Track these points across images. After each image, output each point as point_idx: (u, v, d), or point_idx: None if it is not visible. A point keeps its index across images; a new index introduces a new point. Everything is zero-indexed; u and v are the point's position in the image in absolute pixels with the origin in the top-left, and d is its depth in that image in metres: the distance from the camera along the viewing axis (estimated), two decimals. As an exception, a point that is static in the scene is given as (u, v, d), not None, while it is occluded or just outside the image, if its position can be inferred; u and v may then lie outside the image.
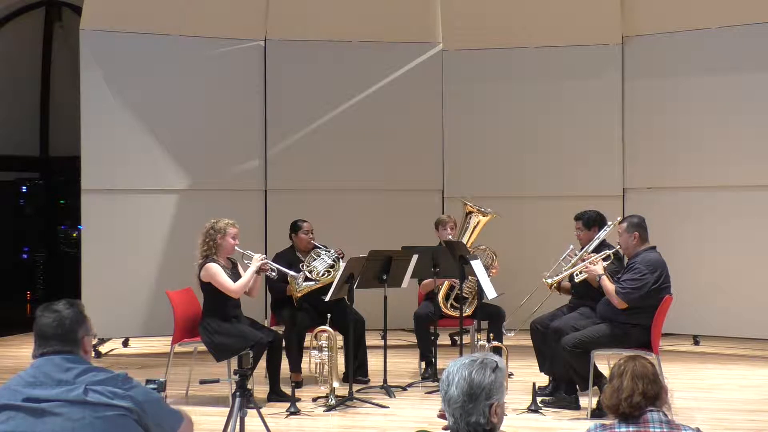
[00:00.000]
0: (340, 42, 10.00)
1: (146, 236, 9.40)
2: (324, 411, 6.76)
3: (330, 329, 7.03)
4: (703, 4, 9.33)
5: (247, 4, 9.83)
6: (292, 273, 7.34)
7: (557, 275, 7.03)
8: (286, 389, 6.95)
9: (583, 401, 6.57)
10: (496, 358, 2.81)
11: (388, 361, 7.36)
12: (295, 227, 7.92)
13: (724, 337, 9.49)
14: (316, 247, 7.82)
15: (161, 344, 9.07)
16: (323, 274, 7.60)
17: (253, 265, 6.96)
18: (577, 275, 6.89)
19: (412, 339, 8.23)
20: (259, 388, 7.05)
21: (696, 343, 9.57)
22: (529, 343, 7.36)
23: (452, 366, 2.82)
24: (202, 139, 9.62)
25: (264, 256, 7.19)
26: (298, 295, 7.48)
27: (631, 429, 3.12)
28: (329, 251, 7.76)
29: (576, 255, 7.03)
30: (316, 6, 10.01)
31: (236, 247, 7.03)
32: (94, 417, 3.04)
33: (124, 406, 3.07)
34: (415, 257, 7.30)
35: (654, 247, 6.59)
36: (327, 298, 7.10)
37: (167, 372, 7.03)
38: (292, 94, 9.87)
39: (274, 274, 7.18)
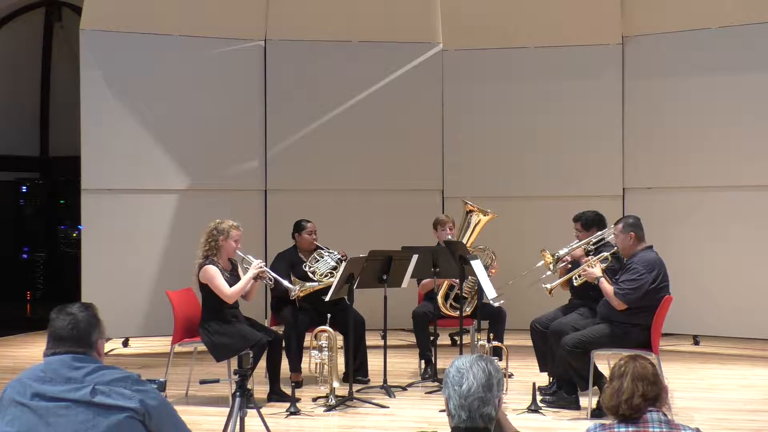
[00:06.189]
0: (340, 42, 10.00)
1: (146, 236, 9.39)
2: (324, 411, 6.76)
3: (330, 329, 7.03)
4: (703, 4, 9.33)
5: (247, 4, 9.83)
6: (289, 286, 7.28)
7: (555, 280, 7.07)
8: (286, 389, 6.95)
9: (583, 401, 6.57)
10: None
11: (388, 361, 7.35)
12: (298, 227, 7.90)
13: (724, 337, 9.48)
14: (318, 248, 7.81)
15: (161, 344, 9.07)
16: (326, 276, 7.59)
17: (251, 272, 6.94)
18: (576, 278, 6.90)
19: (412, 339, 8.23)
20: (259, 388, 7.04)
21: (696, 343, 9.56)
22: (529, 343, 7.36)
23: (459, 363, 2.91)
24: (202, 139, 9.62)
25: (262, 263, 7.11)
26: (300, 294, 7.47)
27: (630, 429, 3.12)
28: (332, 253, 7.74)
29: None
30: (316, 6, 10.01)
31: (237, 251, 7.02)
32: (98, 419, 3.04)
33: (130, 407, 3.07)
34: (415, 257, 7.30)
35: (651, 247, 6.60)
36: (327, 298, 7.09)
37: (167, 372, 7.02)
38: (292, 94, 9.88)
39: (271, 283, 7.16)
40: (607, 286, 6.54)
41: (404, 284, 7.42)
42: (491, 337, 7.29)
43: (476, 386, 2.85)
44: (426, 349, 7.79)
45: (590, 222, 7.19)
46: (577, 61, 9.83)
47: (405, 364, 8.50)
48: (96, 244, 9.23)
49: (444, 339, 9.25)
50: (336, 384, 6.89)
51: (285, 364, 7.31)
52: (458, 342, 8.27)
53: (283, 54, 9.87)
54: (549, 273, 7.09)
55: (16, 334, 10.57)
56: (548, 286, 7.02)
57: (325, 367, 6.95)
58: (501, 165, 9.98)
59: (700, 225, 9.34)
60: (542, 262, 7.13)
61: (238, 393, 4.57)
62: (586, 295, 6.99)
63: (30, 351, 9.52)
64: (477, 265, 7.05)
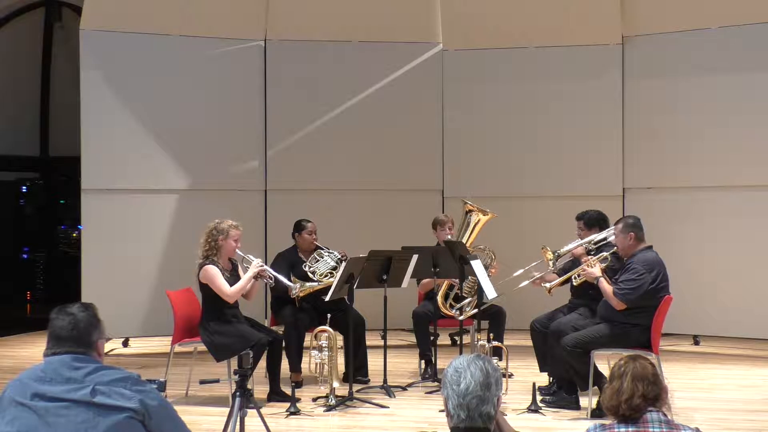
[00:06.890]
0: (340, 42, 10.00)
1: (146, 236, 9.40)
2: (324, 411, 6.76)
3: (330, 329, 7.03)
4: (703, 4, 9.33)
5: (247, 4, 9.84)
6: (289, 284, 7.28)
7: (554, 281, 7.08)
8: (286, 389, 6.95)
9: (583, 401, 6.57)
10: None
11: (388, 361, 7.35)
12: (298, 227, 7.89)
13: (724, 337, 9.48)
14: (318, 248, 7.81)
15: (161, 344, 9.07)
16: (326, 276, 7.58)
17: (250, 271, 6.93)
18: (575, 278, 6.91)
19: (412, 339, 8.23)
20: (259, 388, 7.04)
21: (696, 343, 9.56)
22: (529, 343, 7.36)
23: (457, 363, 2.91)
24: (202, 139, 9.62)
25: (262, 263, 7.10)
26: (301, 294, 7.47)
27: (630, 429, 3.12)
28: (332, 253, 7.74)
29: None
30: (316, 6, 10.01)
31: (237, 251, 7.02)
32: (98, 420, 3.04)
33: (130, 407, 3.07)
34: (415, 257, 7.30)
35: (650, 247, 6.59)
36: (327, 298, 7.09)
37: (167, 372, 7.02)
38: (292, 94, 9.88)
39: (271, 282, 7.16)
40: (606, 286, 6.54)
41: (404, 284, 7.42)
42: (491, 337, 7.29)
43: (474, 385, 2.85)
44: (426, 348, 7.79)
45: (593, 221, 7.19)
46: (577, 61, 9.83)
47: (405, 364, 8.50)
48: (96, 244, 9.24)
49: (444, 339, 9.25)
50: (336, 384, 6.89)
51: (285, 364, 7.31)
52: (458, 342, 8.27)
53: (283, 54, 9.87)
54: (548, 270, 7.10)
55: (16, 334, 10.57)
56: (548, 285, 7.04)
57: (325, 367, 6.95)
58: (501, 165, 9.98)
59: (700, 225, 9.34)
60: (542, 259, 7.13)
61: (238, 393, 4.57)
62: (586, 295, 6.99)
63: (30, 351, 9.52)
64: (477, 265, 7.05)
